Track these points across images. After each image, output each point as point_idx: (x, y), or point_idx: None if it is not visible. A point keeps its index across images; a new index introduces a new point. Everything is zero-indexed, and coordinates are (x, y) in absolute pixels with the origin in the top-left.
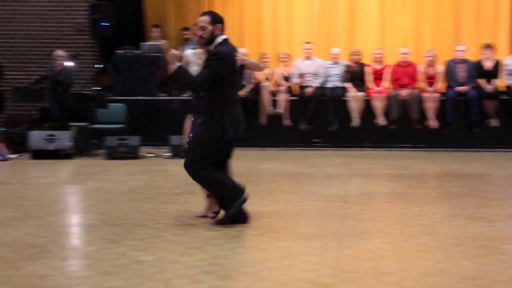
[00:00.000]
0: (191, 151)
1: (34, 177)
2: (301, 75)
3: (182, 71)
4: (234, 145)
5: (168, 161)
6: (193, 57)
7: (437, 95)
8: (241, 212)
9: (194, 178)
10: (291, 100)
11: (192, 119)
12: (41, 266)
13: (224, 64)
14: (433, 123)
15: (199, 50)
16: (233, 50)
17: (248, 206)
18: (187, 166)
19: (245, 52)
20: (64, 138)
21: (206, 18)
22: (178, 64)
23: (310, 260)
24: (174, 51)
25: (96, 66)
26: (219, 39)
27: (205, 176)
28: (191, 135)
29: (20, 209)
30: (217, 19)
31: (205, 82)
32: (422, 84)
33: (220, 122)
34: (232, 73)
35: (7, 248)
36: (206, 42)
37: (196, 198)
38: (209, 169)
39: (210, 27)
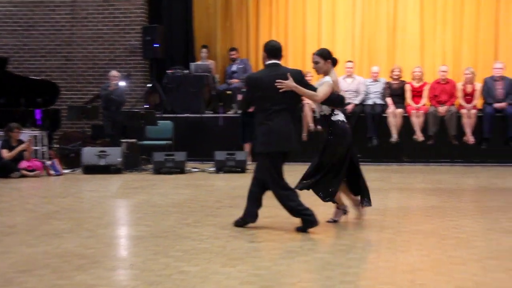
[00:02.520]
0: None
1: (85, 191)
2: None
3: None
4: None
5: (212, 176)
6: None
7: (475, 111)
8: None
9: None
10: None
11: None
12: (90, 276)
13: None
14: (470, 138)
15: None
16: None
17: (288, 219)
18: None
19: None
20: (115, 154)
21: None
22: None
23: (349, 272)
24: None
25: (147, 85)
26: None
27: None
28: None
29: (72, 221)
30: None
31: None
32: (460, 100)
33: None
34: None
35: (59, 258)
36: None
37: (239, 211)
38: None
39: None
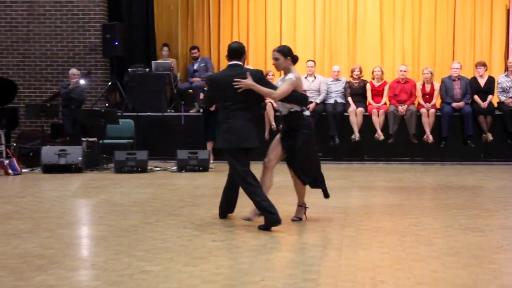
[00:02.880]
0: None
1: (45, 191)
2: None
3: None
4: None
5: (175, 175)
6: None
7: (434, 110)
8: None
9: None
10: None
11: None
12: (50, 277)
13: None
14: (429, 137)
15: None
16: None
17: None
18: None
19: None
20: (75, 153)
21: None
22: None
23: (311, 270)
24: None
25: (107, 83)
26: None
27: None
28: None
29: (31, 221)
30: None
31: None
32: (419, 100)
33: None
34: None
35: (18, 259)
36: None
37: (200, 210)
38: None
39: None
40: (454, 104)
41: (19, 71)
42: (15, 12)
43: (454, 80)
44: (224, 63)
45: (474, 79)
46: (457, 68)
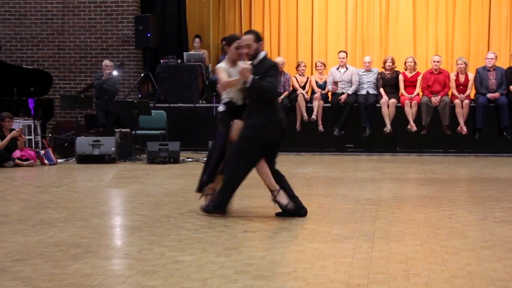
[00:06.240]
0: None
1: (79, 181)
2: (335, 83)
3: (258, 81)
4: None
5: None
6: (228, 70)
7: (468, 101)
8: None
9: None
10: (325, 107)
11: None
12: (85, 265)
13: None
14: (463, 129)
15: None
16: None
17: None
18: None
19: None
20: (109, 144)
21: (250, 37)
22: (251, 75)
23: (343, 262)
24: (245, 64)
25: (140, 75)
26: (262, 54)
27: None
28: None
29: (66, 211)
30: (260, 37)
31: (276, 88)
32: (453, 91)
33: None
34: None
35: (54, 248)
36: (251, 57)
37: (232, 201)
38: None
39: (255, 45)
40: (489, 95)
41: (54, 63)
42: (50, 4)
43: (489, 71)
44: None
45: (510, 69)
46: (491, 58)
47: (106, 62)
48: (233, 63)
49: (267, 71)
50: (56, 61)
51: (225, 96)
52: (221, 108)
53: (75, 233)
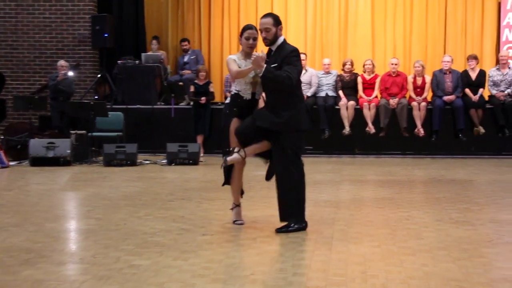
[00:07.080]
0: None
1: (33, 184)
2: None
3: (272, 70)
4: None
5: (164, 168)
6: (238, 61)
7: (425, 104)
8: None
9: None
10: None
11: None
12: (38, 271)
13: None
14: (420, 131)
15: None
16: None
17: (241, 211)
18: None
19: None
20: (64, 146)
21: (269, 20)
22: (265, 65)
23: (301, 264)
24: (260, 53)
25: (97, 75)
26: (281, 39)
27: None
28: None
29: (18, 215)
30: (279, 21)
31: (296, 78)
32: (410, 93)
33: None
34: None
35: (5, 253)
36: (270, 42)
37: (190, 204)
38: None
39: (273, 29)
40: (445, 98)
41: (7, 63)
42: (3, 2)
43: (445, 74)
44: (215, 55)
45: (465, 73)
46: (448, 62)
47: (62, 62)
48: (247, 55)
49: (286, 57)
50: (9, 61)
51: (233, 88)
52: (228, 100)
53: (27, 237)
